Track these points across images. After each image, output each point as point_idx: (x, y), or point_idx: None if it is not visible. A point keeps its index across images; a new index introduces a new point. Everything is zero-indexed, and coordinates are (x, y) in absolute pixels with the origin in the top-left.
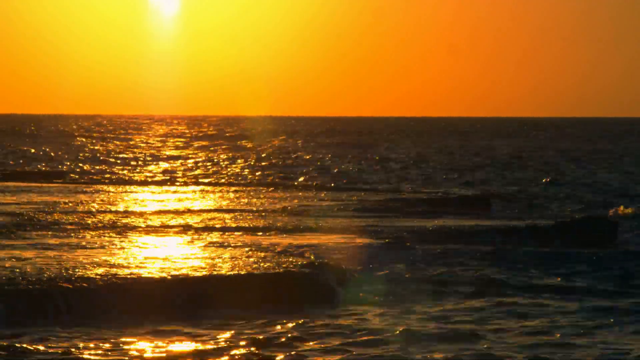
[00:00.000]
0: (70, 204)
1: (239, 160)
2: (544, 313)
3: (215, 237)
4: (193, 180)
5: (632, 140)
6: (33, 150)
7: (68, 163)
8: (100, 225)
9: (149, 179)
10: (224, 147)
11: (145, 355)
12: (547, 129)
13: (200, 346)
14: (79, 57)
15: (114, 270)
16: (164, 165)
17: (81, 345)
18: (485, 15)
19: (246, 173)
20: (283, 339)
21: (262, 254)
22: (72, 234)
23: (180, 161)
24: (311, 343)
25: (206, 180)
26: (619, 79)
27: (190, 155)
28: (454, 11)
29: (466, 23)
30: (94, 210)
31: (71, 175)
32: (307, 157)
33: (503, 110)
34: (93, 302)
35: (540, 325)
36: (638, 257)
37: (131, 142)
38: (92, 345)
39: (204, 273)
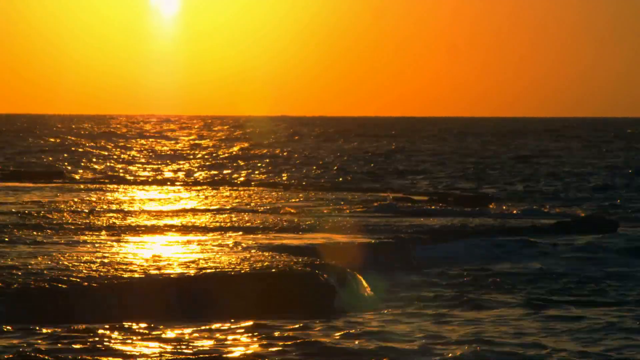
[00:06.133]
0: (71, 204)
1: (239, 161)
2: (550, 318)
3: (215, 236)
4: (193, 180)
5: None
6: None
7: (69, 165)
8: (101, 225)
9: (149, 179)
10: (224, 147)
11: (144, 355)
12: (547, 128)
13: (198, 346)
14: (79, 57)
15: (114, 270)
16: (164, 165)
17: (81, 345)
18: (485, 15)
19: (246, 173)
20: (283, 340)
21: (262, 254)
22: (73, 234)
23: (180, 161)
24: (312, 345)
25: (206, 180)
26: (619, 79)
27: (190, 156)
28: (454, 11)
29: (466, 23)
30: (94, 210)
31: (72, 175)
32: (307, 157)
33: (503, 110)
34: (92, 301)
35: (550, 331)
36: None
37: (131, 142)
38: (90, 344)
39: (203, 273)
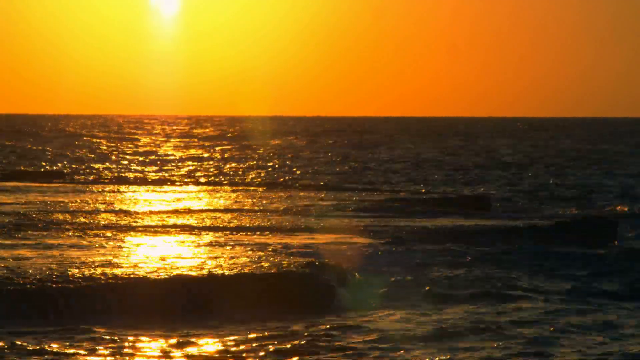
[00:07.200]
0: (70, 204)
1: (238, 160)
2: (547, 315)
3: (215, 237)
4: (193, 180)
5: (633, 141)
6: (33, 147)
7: (68, 163)
8: (100, 225)
9: (150, 179)
10: (224, 147)
11: (144, 356)
12: (548, 128)
13: (199, 347)
14: (79, 57)
15: (113, 270)
16: (164, 165)
17: (80, 346)
18: (485, 15)
19: (246, 173)
20: (283, 341)
21: (262, 254)
22: (72, 234)
23: (180, 161)
24: (312, 345)
25: (206, 180)
26: (619, 79)
27: (190, 156)
28: (454, 11)
29: (466, 23)
30: (94, 210)
31: (71, 175)
32: (307, 157)
33: (503, 110)
34: (93, 302)
35: (542, 328)
36: (639, 257)
37: (131, 142)
38: (91, 346)
39: (204, 273)
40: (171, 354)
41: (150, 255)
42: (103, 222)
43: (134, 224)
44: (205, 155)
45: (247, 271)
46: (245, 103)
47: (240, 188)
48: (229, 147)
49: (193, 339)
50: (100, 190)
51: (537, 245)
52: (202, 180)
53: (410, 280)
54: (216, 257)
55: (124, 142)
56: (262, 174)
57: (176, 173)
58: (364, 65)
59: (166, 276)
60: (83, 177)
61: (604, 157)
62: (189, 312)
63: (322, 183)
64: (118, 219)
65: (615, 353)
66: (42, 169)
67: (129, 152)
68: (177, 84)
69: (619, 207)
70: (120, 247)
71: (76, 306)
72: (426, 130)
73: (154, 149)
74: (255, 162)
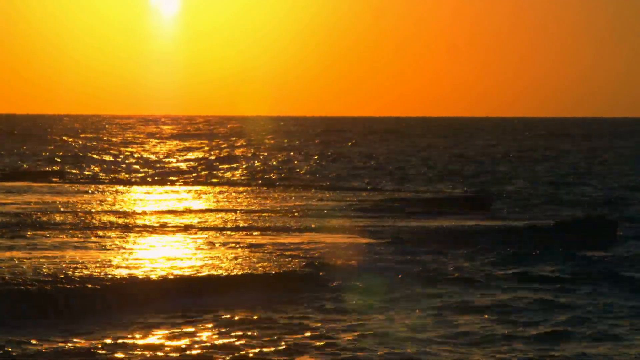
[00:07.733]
0: (70, 204)
1: (238, 160)
2: (542, 311)
3: (215, 237)
4: (192, 180)
5: (632, 141)
6: (32, 148)
7: (67, 163)
8: (100, 225)
9: (149, 179)
10: (223, 147)
11: (144, 355)
12: (548, 128)
13: (200, 346)
14: (79, 57)
15: (114, 271)
16: (163, 165)
17: (80, 344)
18: (485, 15)
19: (245, 173)
20: (283, 340)
21: (263, 254)
22: (72, 234)
23: (179, 161)
24: (310, 340)
25: (205, 181)
26: (619, 79)
27: (189, 156)
28: (454, 11)
29: (466, 23)
30: (94, 210)
31: (71, 175)
32: (307, 157)
33: (503, 110)
34: (93, 302)
35: (536, 323)
36: (637, 257)
37: (131, 143)
38: (91, 345)
39: (204, 273)
40: (171, 352)
41: (150, 255)
42: (102, 222)
43: (134, 224)
44: (205, 155)
45: (247, 271)
46: (245, 103)
47: (240, 188)
48: (228, 147)
49: (193, 338)
50: (99, 190)
51: (537, 245)
52: (201, 180)
53: (410, 280)
54: (217, 257)
55: (123, 143)
56: (262, 174)
57: (176, 173)
58: (364, 65)
59: (166, 276)
60: (82, 177)
61: (603, 157)
62: (189, 312)
63: (322, 183)
64: (117, 219)
65: (612, 353)
66: (42, 169)
67: (128, 152)
68: (177, 84)
69: (618, 207)
70: (120, 247)
71: (76, 306)
72: (426, 130)
73: (154, 149)
74: (255, 162)
